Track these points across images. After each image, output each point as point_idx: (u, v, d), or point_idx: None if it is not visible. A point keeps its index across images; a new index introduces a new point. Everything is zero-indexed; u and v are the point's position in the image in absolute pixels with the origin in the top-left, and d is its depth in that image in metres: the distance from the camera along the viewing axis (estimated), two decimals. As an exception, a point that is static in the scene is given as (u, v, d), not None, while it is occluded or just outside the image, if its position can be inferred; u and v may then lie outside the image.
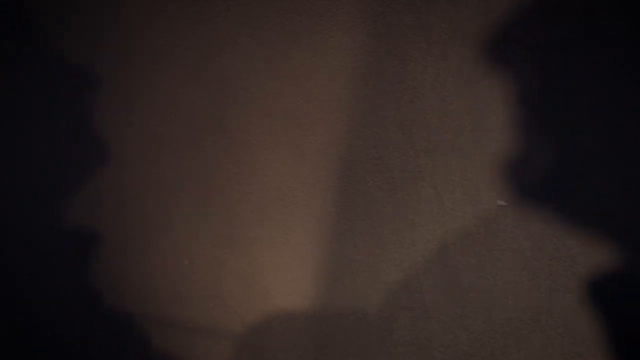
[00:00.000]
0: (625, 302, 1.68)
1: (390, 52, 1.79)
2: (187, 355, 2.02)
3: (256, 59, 1.91)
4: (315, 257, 1.89)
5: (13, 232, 2.16)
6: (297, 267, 1.91)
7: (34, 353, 2.16)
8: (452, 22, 1.73)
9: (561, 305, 1.72)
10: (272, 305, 1.94)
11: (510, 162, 1.72)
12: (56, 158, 2.09)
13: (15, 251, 2.16)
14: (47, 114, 2.11)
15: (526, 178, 1.72)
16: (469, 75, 1.73)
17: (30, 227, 2.15)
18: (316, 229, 1.88)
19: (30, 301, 2.16)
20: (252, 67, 1.91)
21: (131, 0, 2.02)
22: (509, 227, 1.73)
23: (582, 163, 1.68)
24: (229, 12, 1.92)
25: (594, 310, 1.70)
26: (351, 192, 1.86)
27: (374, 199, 1.85)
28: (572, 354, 1.73)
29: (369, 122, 1.83)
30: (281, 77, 1.89)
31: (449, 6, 1.72)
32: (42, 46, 2.11)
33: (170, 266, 2.02)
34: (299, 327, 1.92)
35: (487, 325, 1.79)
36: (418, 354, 1.85)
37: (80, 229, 2.10)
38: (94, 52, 2.06)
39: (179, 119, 1.98)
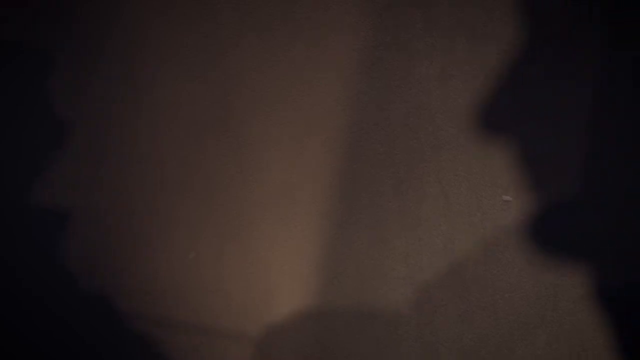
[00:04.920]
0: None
1: (396, 48, 1.79)
2: (190, 353, 2.02)
3: (260, 55, 1.91)
4: (320, 253, 1.89)
5: (14, 230, 2.17)
6: (301, 263, 1.90)
7: (34, 352, 2.17)
8: (457, 16, 1.72)
9: (566, 301, 1.71)
10: (277, 302, 1.93)
11: (516, 157, 1.72)
12: (61, 156, 2.10)
13: (17, 249, 2.17)
14: (50, 113, 2.11)
15: (532, 173, 1.71)
16: (475, 70, 1.73)
17: (30, 225, 2.15)
18: (321, 225, 1.88)
19: (30, 300, 2.16)
20: (256, 64, 1.91)
21: (136, -1, 2.02)
22: (514, 222, 1.73)
23: (587, 158, 1.67)
24: (234, 10, 1.92)
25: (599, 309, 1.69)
26: (356, 188, 1.86)
27: (379, 194, 1.84)
28: (578, 348, 1.72)
29: (374, 117, 1.82)
30: (285, 73, 1.89)
31: (455, 0, 1.71)
32: (45, 44, 2.11)
33: (174, 264, 2.02)
34: (303, 323, 1.92)
35: (492, 320, 1.78)
36: (423, 349, 1.84)
37: (84, 225, 2.11)
38: (98, 52, 2.06)
39: (184, 116, 1.98)
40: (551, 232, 1.71)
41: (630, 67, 1.67)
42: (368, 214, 1.85)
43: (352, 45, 1.81)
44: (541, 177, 1.70)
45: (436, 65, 1.74)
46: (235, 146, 1.94)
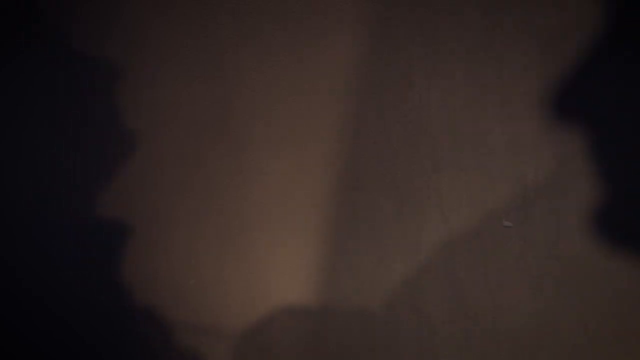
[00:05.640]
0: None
1: (396, 69, 1.76)
2: (190, 353, 2.03)
3: (262, 60, 1.89)
4: (320, 254, 1.88)
5: (14, 230, 2.17)
6: (300, 264, 1.90)
7: (34, 352, 2.18)
8: (457, 40, 1.68)
9: (567, 324, 1.69)
10: (276, 302, 1.94)
11: (517, 182, 1.68)
12: (60, 156, 2.10)
13: (17, 249, 2.17)
14: (51, 113, 2.11)
15: (532, 198, 1.68)
16: (474, 94, 1.69)
17: (30, 225, 2.16)
18: (320, 231, 1.87)
19: (30, 300, 2.18)
20: (256, 64, 1.89)
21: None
22: (515, 247, 1.70)
23: (589, 183, 1.64)
24: (234, 11, 1.90)
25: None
26: (356, 204, 1.84)
27: (378, 214, 1.82)
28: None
29: (374, 138, 1.79)
30: (286, 74, 1.88)
31: (454, 24, 1.68)
32: (45, 44, 2.10)
33: (174, 264, 2.02)
34: (303, 323, 1.92)
35: (492, 344, 1.77)
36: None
37: (82, 227, 2.11)
38: (98, 52, 2.04)
39: (184, 116, 1.97)
40: (552, 257, 1.68)
41: (629, 67, 1.62)
42: (367, 236, 1.83)
43: (352, 67, 1.79)
44: (543, 202, 1.67)
45: (435, 89, 1.71)
46: (235, 146, 1.93)
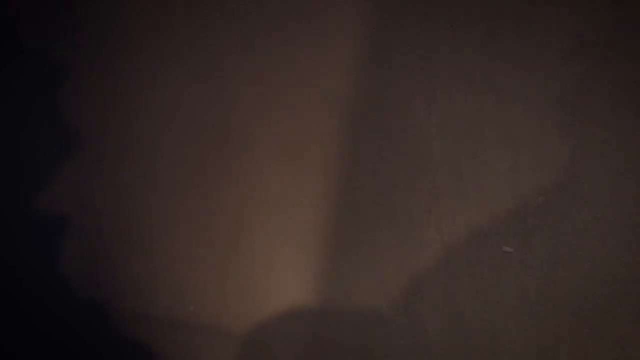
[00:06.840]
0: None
1: (395, 94, 1.75)
2: (190, 353, 2.03)
3: (262, 61, 1.88)
4: (317, 267, 1.87)
5: (14, 231, 2.17)
6: (300, 263, 1.90)
7: (34, 352, 2.18)
8: (457, 66, 1.67)
9: (568, 349, 1.67)
10: (276, 302, 1.94)
11: (516, 207, 1.67)
12: (61, 156, 2.09)
13: (17, 251, 2.17)
14: (51, 113, 2.11)
15: (532, 224, 1.66)
16: (474, 119, 1.68)
17: (31, 227, 2.15)
18: (318, 237, 1.86)
19: (30, 300, 2.17)
20: (257, 68, 1.89)
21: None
22: (514, 273, 1.68)
23: (587, 209, 1.62)
24: (234, 12, 1.90)
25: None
26: (353, 228, 1.83)
27: (377, 242, 1.81)
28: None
29: (373, 165, 1.78)
30: (285, 75, 1.87)
31: (454, 48, 1.67)
32: (45, 44, 2.10)
33: (174, 264, 2.02)
34: (302, 323, 1.92)
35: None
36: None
37: (84, 226, 2.11)
38: (98, 52, 2.05)
39: (184, 116, 1.97)
40: (550, 282, 1.67)
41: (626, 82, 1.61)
42: (365, 261, 1.82)
43: (351, 91, 1.78)
44: (543, 227, 1.66)
45: (435, 115, 1.70)
46: (235, 146, 1.93)
